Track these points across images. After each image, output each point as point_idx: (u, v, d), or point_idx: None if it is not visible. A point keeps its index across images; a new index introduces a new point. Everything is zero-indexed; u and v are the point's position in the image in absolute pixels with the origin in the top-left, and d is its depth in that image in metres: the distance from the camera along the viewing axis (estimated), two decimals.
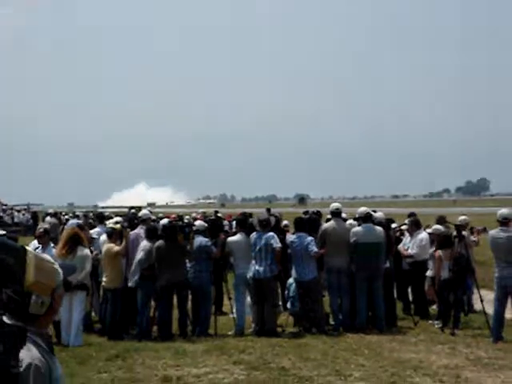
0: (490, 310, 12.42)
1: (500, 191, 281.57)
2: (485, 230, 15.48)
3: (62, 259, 11.70)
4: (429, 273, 13.87)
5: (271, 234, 12.82)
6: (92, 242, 14.03)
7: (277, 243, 12.63)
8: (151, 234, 12.81)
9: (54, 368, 2.96)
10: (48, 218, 31.58)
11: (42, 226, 13.26)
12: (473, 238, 15.03)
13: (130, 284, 12.68)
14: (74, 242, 12.00)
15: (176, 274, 12.37)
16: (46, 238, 12.47)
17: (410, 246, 14.58)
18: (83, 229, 13.40)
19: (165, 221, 14.12)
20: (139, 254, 12.56)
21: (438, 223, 15.37)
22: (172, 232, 12.63)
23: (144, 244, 12.66)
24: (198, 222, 13.97)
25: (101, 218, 16.71)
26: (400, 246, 14.61)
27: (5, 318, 2.83)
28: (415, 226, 14.94)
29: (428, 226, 16.01)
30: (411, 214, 16.50)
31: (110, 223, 14.49)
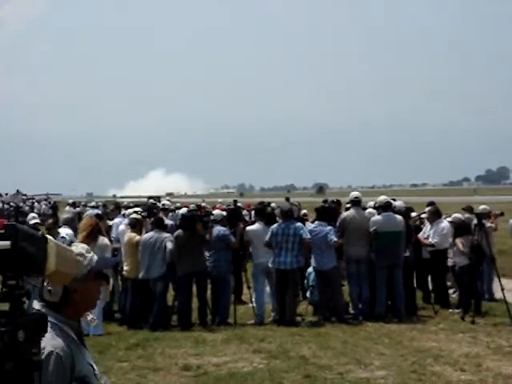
0: (510, 298, 12.35)
1: None
2: (502, 215, 15.37)
3: None
4: (450, 262, 13.78)
5: (300, 224, 12.78)
6: (110, 231, 14.07)
7: (307, 234, 12.58)
8: (158, 225, 12.81)
9: (79, 359, 2.95)
10: (67, 208, 31.76)
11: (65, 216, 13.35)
12: (489, 223, 14.87)
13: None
14: (94, 231, 12.02)
15: (195, 263, 12.36)
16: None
17: (430, 234, 14.47)
18: (102, 218, 13.42)
19: (183, 210, 14.12)
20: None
21: (466, 211, 15.26)
22: (191, 221, 12.63)
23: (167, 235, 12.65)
24: (216, 212, 13.97)
25: (118, 208, 16.74)
26: (420, 235, 14.51)
27: (35, 304, 2.84)
28: (435, 214, 14.84)
29: (447, 215, 15.91)
30: (431, 203, 16.38)
31: (128, 213, 14.52)
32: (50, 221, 12.79)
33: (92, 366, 3.11)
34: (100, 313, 12.15)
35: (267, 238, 12.65)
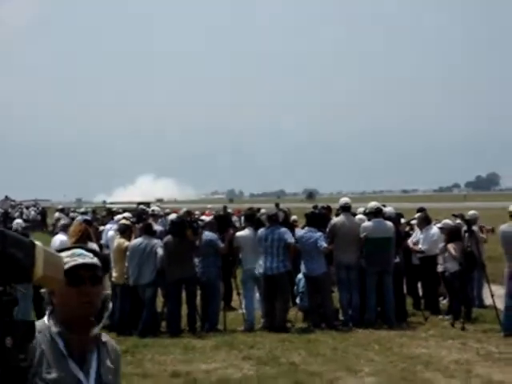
0: (500, 304, 12.36)
1: (510, 186, 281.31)
2: (493, 231, 15.33)
3: None
4: (440, 268, 13.78)
5: (284, 229, 12.78)
6: (100, 237, 14.01)
7: (291, 238, 12.59)
8: (147, 231, 12.77)
9: (49, 364, 2.84)
10: (56, 214, 31.65)
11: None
12: (482, 234, 14.91)
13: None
14: (83, 237, 11.96)
15: (185, 269, 12.33)
16: None
17: (420, 240, 14.49)
18: (91, 224, 13.37)
19: (173, 216, 14.08)
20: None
21: (457, 218, 15.26)
22: (181, 227, 12.60)
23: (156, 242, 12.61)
24: (205, 218, 13.94)
25: (111, 214, 16.68)
26: (409, 241, 14.51)
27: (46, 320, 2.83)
28: (425, 221, 14.87)
29: (437, 221, 15.93)
30: (421, 209, 16.40)
31: (117, 219, 14.50)
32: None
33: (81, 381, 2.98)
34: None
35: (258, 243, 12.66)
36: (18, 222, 16.30)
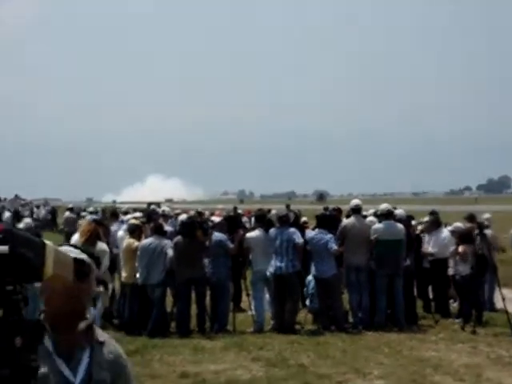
0: (511, 308, 12.31)
1: None
2: (503, 251, 15.26)
3: None
4: (450, 271, 13.73)
5: (293, 229, 12.77)
6: (109, 237, 14.02)
7: (299, 239, 12.59)
8: (157, 231, 12.78)
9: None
10: (67, 213, 31.71)
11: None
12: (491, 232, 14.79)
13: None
14: (92, 236, 11.99)
15: (194, 269, 12.34)
16: None
17: (430, 243, 14.47)
18: (101, 224, 13.38)
19: (183, 216, 14.07)
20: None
21: (468, 220, 15.22)
22: (191, 228, 12.60)
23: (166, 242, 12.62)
24: (215, 218, 13.94)
25: (116, 215, 16.61)
26: (424, 247, 14.49)
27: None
28: (434, 224, 14.86)
29: (448, 224, 15.89)
30: (433, 212, 16.35)
31: (127, 219, 14.50)
32: None
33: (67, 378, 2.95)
34: (99, 318, 12.10)
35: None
36: (27, 222, 16.32)
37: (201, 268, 12.50)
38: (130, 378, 3.17)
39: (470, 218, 15.29)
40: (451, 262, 13.66)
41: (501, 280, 13.31)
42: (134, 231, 12.98)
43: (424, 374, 9.24)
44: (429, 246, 14.47)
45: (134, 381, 3.17)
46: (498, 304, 13.52)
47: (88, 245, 11.82)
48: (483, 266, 12.88)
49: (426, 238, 14.90)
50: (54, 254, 2.30)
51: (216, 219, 13.61)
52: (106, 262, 12.01)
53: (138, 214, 15.02)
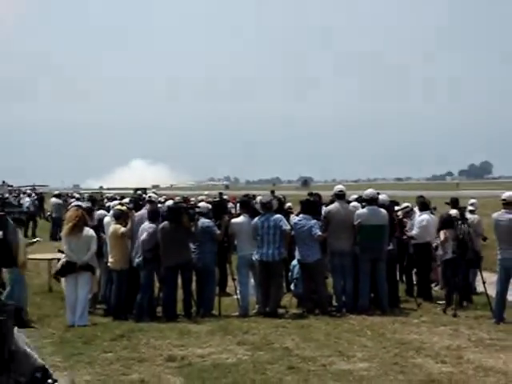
0: (492, 291, 12.49)
1: (503, 174, 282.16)
2: (484, 240, 15.37)
3: (69, 240, 11.79)
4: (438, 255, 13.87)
5: (279, 216, 12.85)
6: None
7: (286, 225, 12.68)
8: (153, 216, 12.86)
9: None
10: (53, 199, 31.66)
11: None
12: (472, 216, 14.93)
13: (135, 264, 12.74)
14: (80, 223, 12.06)
15: (181, 255, 12.44)
16: None
17: (411, 226, 14.67)
18: (85, 209, 13.39)
19: (170, 202, 14.11)
20: (142, 235, 12.60)
21: (451, 205, 15.38)
22: (177, 213, 12.69)
23: (147, 226, 12.69)
24: (201, 204, 14.01)
25: (93, 201, 16.45)
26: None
27: None
28: (420, 206, 15.05)
29: (435, 209, 16.06)
30: (420, 197, 16.48)
31: (114, 205, 14.55)
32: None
33: None
34: (86, 304, 12.19)
35: (252, 232, 12.77)
36: (27, 200, 16.33)
37: (187, 253, 12.60)
38: None
39: (453, 202, 15.45)
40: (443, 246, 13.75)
41: (482, 264, 13.52)
42: (120, 217, 13.04)
43: (406, 356, 9.37)
44: (410, 230, 14.64)
45: None
46: (479, 287, 13.71)
47: (75, 231, 11.92)
48: (464, 250, 13.05)
49: (408, 222, 15.07)
50: (23, 241, 2.42)
51: (202, 205, 13.65)
52: (93, 247, 12.11)
53: (125, 200, 15.06)
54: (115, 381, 8.46)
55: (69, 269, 11.89)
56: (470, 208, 14.96)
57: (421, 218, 14.65)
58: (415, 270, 14.97)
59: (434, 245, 14.30)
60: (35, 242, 13.75)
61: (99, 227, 13.73)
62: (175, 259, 12.40)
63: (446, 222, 13.40)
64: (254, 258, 12.81)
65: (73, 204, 17.00)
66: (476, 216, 14.84)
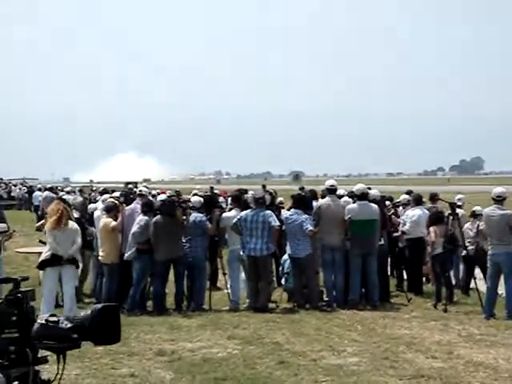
0: (482, 287, 12.52)
1: (493, 170, 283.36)
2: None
3: (54, 233, 11.69)
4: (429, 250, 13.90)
5: (269, 212, 12.83)
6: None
7: (275, 221, 12.66)
8: (147, 209, 12.82)
9: None
10: (45, 193, 31.55)
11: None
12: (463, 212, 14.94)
13: (125, 258, 12.70)
14: (63, 216, 11.94)
15: (173, 249, 12.43)
16: None
17: (403, 221, 14.69)
18: (65, 202, 13.24)
19: (162, 196, 14.05)
20: (134, 228, 12.56)
21: (430, 200, 15.47)
22: (171, 207, 12.67)
23: (139, 218, 12.66)
24: (193, 198, 13.98)
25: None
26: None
27: None
28: (415, 202, 15.08)
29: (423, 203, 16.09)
30: (409, 192, 16.53)
31: (104, 198, 14.51)
32: None
33: None
34: (74, 297, 12.12)
35: (233, 221, 12.74)
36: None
37: (180, 247, 12.59)
38: None
39: (433, 197, 15.53)
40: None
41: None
42: (111, 210, 13.00)
43: (397, 351, 9.39)
44: (402, 225, 14.66)
45: None
46: (471, 283, 13.75)
47: (58, 224, 11.81)
48: (454, 245, 13.09)
49: (400, 217, 15.11)
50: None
51: (195, 199, 13.61)
52: (78, 240, 12.01)
53: (115, 194, 15.02)
54: (105, 375, 8.44)
55: (53, 262, 11.77)
56: (457, 203, 14.99)
57: (412, 213, 14.68)
58: (405, 264, 15.02)
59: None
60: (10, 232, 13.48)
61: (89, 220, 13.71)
62: (168, 253, 12.39)
63: (436, 218, 13.41)
64: (241, 253, 12.81)
65: (64, 197, 16.97)
66: (462, 211, 14.86)
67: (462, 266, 14.46)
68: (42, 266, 11.84)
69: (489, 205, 12.28)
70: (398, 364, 8.74)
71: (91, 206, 15.02)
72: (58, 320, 2.47)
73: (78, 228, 12.16)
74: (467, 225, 14.12)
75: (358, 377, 8.22)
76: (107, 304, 2.55)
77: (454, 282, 13.82)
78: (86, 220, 14.02)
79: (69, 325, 2.45)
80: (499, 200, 11.94)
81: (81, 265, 12.90)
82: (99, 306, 2.52)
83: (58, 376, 2.56)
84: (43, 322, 2.47)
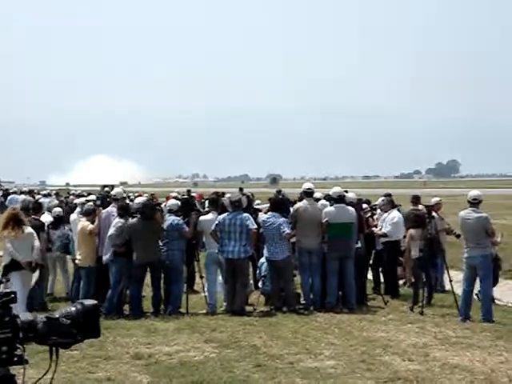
0: (458, 290, 12.60)
1: (469, 173, 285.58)
2: (458, 237, 15.43)
3: (11, 240, 11.57)
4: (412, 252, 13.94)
5: (246, 214, 12.82)
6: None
7: (253, 224, 12.66)
8: (123, 212, 12.77)
9: None
10: (22, 196, 31.28)
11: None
12: (439, 215, 15.02)
13: (104, 261, 12.65)
14: (17, 222, 11.85)
15: (150, 252, 12.41)
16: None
17: (382, 224, 14.73)
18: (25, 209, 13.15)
19: (141, 199, 13.99)
20: (111, 230, 12.51)
21: (412, 203, 15.56)
22: (150, 210, 12.65)
23: (116, 221, 12.62)
24: (170, 201, 13.95)
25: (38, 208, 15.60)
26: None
27: None
28: (390, 205, 15.13)
29: (400, 206, 16.18)
30: (387, 195, 16.59)
31: (80, 202, 14.45)
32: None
33: None
34: (23, 300, 11.84)
35: (212, 227, 12.72)
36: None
37: (157, 251, 12.57)
38: None
39: (415, 199, 15.63)
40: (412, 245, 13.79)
41: (449, 262, 13.62)
42: (90, 214, 12.95)
43: (373, 354, 9.41)
44: (380, 228, 14.72)
45: None
46: (446, 285, 13.83)
47: (14, 231, 11.71)
48: (432, 248, 13.15)
49: (378, 219, 15.17)
50: None
51: (172, 202, 13.56)
52: (36, 244, 11.91)
53: (90, 197, 14.95)
54: (81, 379, 8.38)
55: (13, 267, 11.66)
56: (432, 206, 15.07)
57: (391, 215, 14.75)
58: (382, 267, 15.10)
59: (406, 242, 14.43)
60: None
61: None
62: (145, 257, 12.37)
63: (416, 221, 13.45)
64: (219, 256, 12.80)
65: (41, 200, 16.85)
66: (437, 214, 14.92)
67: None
68: (5, 271, 11.77)
69: (465, 208, 12.36)
70: (375, 367, 8.76)
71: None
72: (58, 317, 2.57)
73: (33, 232, 12.04)
74: None
75: (335, 379, 8.23)
76: (89, 300, 2.65)
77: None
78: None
79: (68, 321, 2.53)
80: (475, 203, 12.03)
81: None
82: (85, 302, 2.61)
83: (50, 372, 2.63)
84: (45, 319, 2.57)
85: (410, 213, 14.83)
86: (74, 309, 2.65)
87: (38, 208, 14.12)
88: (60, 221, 14.46)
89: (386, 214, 14.95)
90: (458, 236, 14.97)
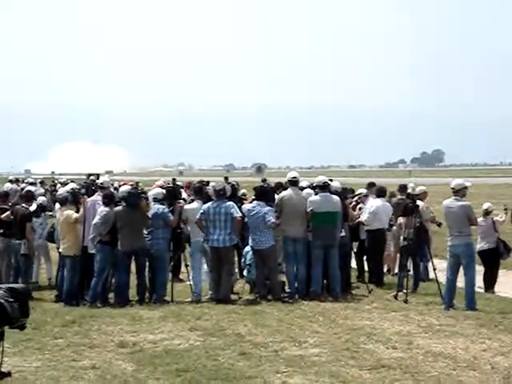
0: (442, 278, 12.67)
1: (454, 162, 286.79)
2: (439, 225, 15.50)
3: None
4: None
5: (231, 203, 12.84)
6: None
7: (237, 213, 12.68)
8: (108, 200, 12.74)
9: None
10: (7, 184, 31.12)
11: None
12: (424, 206, 15.09)
13: (89, 250, 12.65)
14: None
15: (136, 240, 12.41)
16: None
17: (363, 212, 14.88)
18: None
19: (126, 187, 13.94)
20: (96, 219, 12.49)
21: (399, 192, 15.63)
22: (135, 199, 12.63)
23: (101, 209, 12.59)
24: (155, 190, 13.91)
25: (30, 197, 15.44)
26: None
27: None
28: (377, 193, 15.23)
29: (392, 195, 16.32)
30: (371, 184, 16.60)
31: (64, 190, 14.39)
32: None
33: None
34: None
35: (197, 216, 12.73)
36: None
37: (142, 239, 12.59)
38: None
39: (402, 188, 15.68)
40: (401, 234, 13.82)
41: (433, 251, 13.69)
42: (64, 202, 12.95)
43: (357, 342, 9.45)
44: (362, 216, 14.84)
45: None
46: (431, 274, 13.91)
47: None
48: (419, 237, 13.20)
49: (361, 208, 15.25)
50: None
51: (157, 191, 13.52)
52: None
53: (74, 185, 14.87)
54: (66, 367, 8.38)
55: None
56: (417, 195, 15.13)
57: (371, 203, 14.83)
58: (366, 256, 15.17)
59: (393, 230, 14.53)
60: None
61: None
62: (130, 245, 12.37)
63: (404, 210, 13.49)
64: (205, 245, 12.82)
65: (26, 189, 16.77)
66: (423, 203, 14.99)
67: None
68: None
69: (449, 197, 12.41)
70: (359, 354, 8.81)
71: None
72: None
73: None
74: (479, 220, 13.97)
75: (319, 367, 8.26)
76: (16, 283, 2.70)
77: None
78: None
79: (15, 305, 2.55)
80: (458, 192, 12.08)
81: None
82: (14, 286, 2.66)
83: None
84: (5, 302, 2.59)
85: (397, 202, 14.89)
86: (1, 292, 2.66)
87: (29, 197, 14.15)
88: (43, 209, 14.48)
89: (367, 202, 15.06)
90: (439, 225, 15.09)
